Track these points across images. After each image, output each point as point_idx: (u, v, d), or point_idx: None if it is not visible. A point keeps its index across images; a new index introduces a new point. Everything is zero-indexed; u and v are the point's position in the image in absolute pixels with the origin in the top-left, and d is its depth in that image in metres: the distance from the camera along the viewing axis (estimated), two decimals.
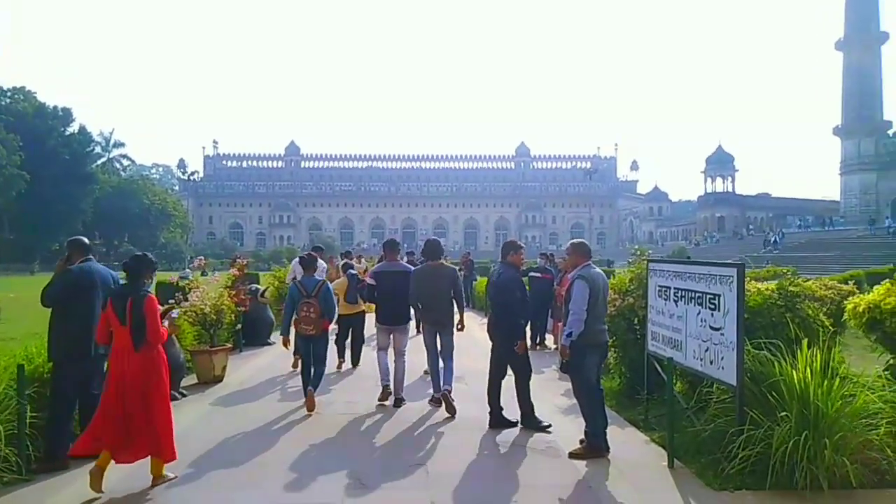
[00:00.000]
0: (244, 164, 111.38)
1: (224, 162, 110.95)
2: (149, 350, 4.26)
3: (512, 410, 5.99)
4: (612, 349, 7.09)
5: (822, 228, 58.48)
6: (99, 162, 77.34)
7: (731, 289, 4.54)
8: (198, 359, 7.74)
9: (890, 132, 62.60)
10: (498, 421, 5.93)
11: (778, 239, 54.87)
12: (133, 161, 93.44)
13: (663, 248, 69.48)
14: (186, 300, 7.71)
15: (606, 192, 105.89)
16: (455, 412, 6.25)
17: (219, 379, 7.63)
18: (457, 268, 8.60)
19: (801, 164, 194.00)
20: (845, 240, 47.56)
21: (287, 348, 7.32)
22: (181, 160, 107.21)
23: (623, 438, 5.54)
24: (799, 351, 4.51)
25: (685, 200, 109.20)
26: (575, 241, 5.62)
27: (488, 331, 6.16)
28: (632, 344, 6.93)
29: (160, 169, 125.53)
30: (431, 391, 6.81)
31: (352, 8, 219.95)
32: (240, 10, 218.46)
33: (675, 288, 5.46)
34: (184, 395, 6.92)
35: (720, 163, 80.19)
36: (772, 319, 5.45)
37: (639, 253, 7.68)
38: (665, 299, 5.67)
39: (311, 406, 6.33)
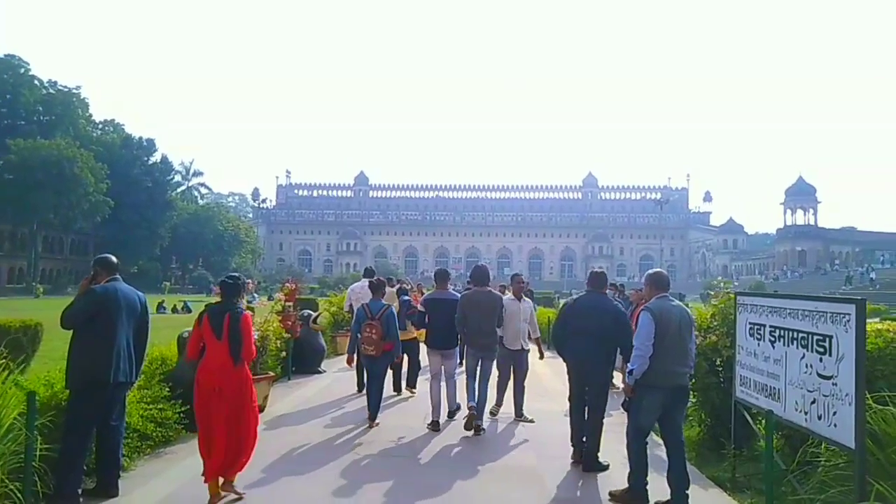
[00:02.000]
0: (314, 194, 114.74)
1: (296, 191, 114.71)
2: (244, 366, 4.51)
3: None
4: (692, 393, 6.28)
5: None
6: (179, 190, 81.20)
7: (847, 329, 3.71)
8: None
9: None
10: (592, 464, 5.51)
11: (872, 275, 50.99)
12: (211, 189, 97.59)
13: (739, 283, 66.03)
14: None
15: (677, 223, 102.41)
16: (478, 431, 6.59)
17: (260, 409, 7.19)
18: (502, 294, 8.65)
19: (890, 197, 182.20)
20: None
21: (350, 366, 7.79)
22: (255, 189, 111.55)
23: (708, 502, 4.70)
24: None
25: (762, 233, 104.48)
26: (651, 271, 5.09)
27: (576, 361, 5.72)
28: (714, 388, 6.10)
29: (236, 197, 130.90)
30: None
31: (420, 40, 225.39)
32: (312, 45, 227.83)
33: (771, 326, 4.65)
34: None
35: (801, 194, 76.23)
36: None
37: (722, 285, 6.81)
38: (758, 339, 4.85)
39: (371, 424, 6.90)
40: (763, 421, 5.22)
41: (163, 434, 5.60)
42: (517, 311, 7.27)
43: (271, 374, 8.08)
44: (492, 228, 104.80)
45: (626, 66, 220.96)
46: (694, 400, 6.46)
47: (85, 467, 4.39)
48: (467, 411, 6.67)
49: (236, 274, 4.82)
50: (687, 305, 5.41)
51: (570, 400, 5.95)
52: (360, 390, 8.82)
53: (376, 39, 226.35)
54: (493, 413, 7.27)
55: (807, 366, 4.12)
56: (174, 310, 29.32)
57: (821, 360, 3.97)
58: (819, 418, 3.96)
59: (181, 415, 5.85)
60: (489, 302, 6.77)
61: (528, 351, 7.43)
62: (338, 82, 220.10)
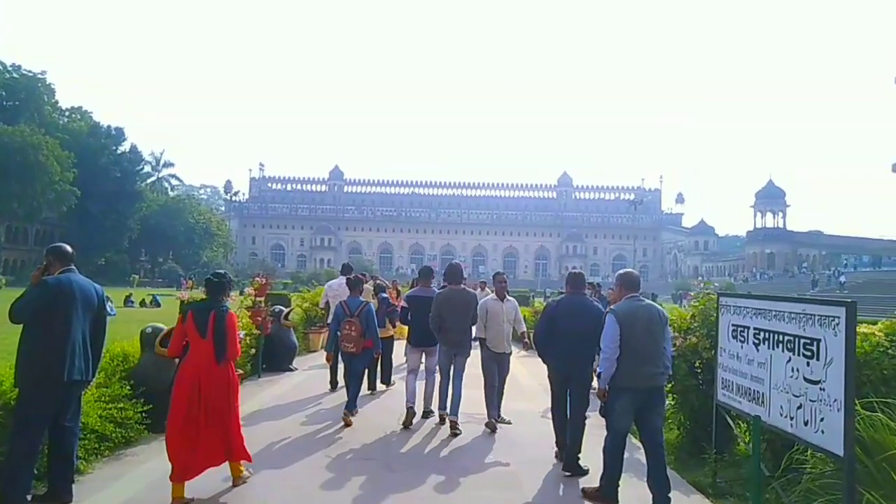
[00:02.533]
0: (288, 187, 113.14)
1: (269, 184, 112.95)
2: (227, 364, 4.53)
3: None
4: (671, 395, 6.19)
5: (874, 269, 55.45)
6: (149, 181, 79.35)
7: (836, 332, 3.61)
8: None
9: None
10: (573, 466, 5.37)
11: (838, 278, 52.03)
12: (182, 181, 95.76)
13: (714, 285, 66.93)
14: None
15: (650, 224, 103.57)
16: (454, 429, 6.56)
17: None
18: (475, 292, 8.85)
19: (856, 201, 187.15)
20: None
21: (329, 363, 8.00)
22: (227, 181, 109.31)
23: None
24: None
25: (732, 235, 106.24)
26: (622, 271, 5.08)
27: (560, 363, 5.64)
28: (693, 390, 6.00)
29: (208, 190, 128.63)
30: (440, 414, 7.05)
31: (396, 36, 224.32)
32: (288, 38, 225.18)
33: (755, 328, 4.54)
34: None
35: (770, 197, 77.68)
36: (883, 372, 4.44)
37: (702, 286, 6.72)
38: (741, 341, 4.74)
39: (347, 423, 6.76)
40: (744, 425, 5.15)
41: (123, 435, 5.30)
42: (500, 311, 7.00)
43: (239, 372, 7.77)
44: (467, 226, 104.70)
45: (602, 67, 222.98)
46: (672, 402, 6.37)
47: (35, 471, 4.09)
48: (438, 419, 7.01)
49: (222, 272, 4.80)
50: (660, 305, 5.32)
51: (552, 400, 5.93)
52: (332, 388, 8.79)
53: (352, 34, 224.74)
54: (492, 429, 6.76)
55: (793, 370, 4.02)
56: (142, 304, 28.57)
57: (808, 364, 3.87)
58: (805, 424, 3.86)
59: (143, 414, 5.57)
60: (463, 300, 6.82)
61: (511, 353, 7.25)
62: (313, 76, 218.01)
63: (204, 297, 4.76)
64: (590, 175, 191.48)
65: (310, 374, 10.23)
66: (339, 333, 6.94)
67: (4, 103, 59.41)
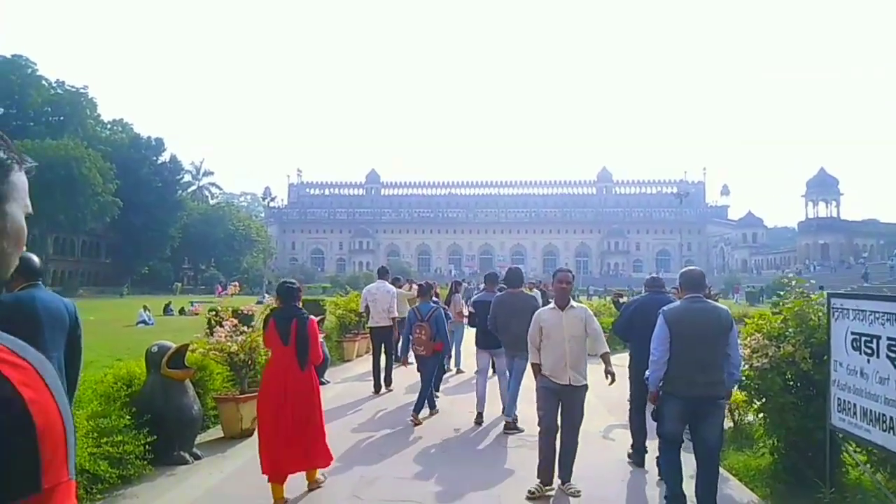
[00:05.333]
0: (326, 192, 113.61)
1: (307, 190, 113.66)
2: (311, 370, 4.64)
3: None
4: (762, 414, 5.24)
5: None
6: (189, 190, 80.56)
7: None
8: (222, 408, 6.36)
9: None
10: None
11: (893, 262, 49.07)
12: (222, 189, 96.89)
13: (760, 278, 64.39)
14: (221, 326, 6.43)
15: (695, 217, 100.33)
16: (509, 429, 6.72)
17: (248, 433, 6.17)
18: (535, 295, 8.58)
19: None
20: None
21: (406, 367, 8.10)
22: (266, 188, 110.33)
23: None
24: None
25: (781, 227, 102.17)
26: (683, 269, 4.72)
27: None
28: (790, 409, 4.99)
29: (248, 197, 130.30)
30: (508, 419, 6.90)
31: (433, 39, 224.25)
32: (325, 46, 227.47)
33: (890, 338, 3.56)
34: (197, 458, 5.50)
35: (823, 186, 74.16)
36: None
37: (794, 283, 5.68)
38: (868, 354, 3.77)
39: (416, 423, 7.06)
40: (863, 451, 4.16)
41: (119, 474, 4.58)
42: (558, 324, 4.90)
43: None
44: (505, 225, 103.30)
45: (641, 60, 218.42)
46: (762, 423, 5.41)
47: None
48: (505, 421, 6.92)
49: (292, 280, 5.12)
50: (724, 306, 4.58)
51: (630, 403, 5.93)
52: (376, 391, 8.95)
53: (387, 37, 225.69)
54: None
55: None
56: (181, 311, 28.43)
57: None
58: None
59: (147, 447, 4.85)
60: (521, 304, 6.59)
61: (586, 388, 4.97)
62: (348, 81, 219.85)
63: (278, 304, 4.92)
64: (630, 170, 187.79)
65: (346, 386, 9.53)
66: (410, 337, 7.42)
67: (50, 119, 60.81)
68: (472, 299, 8.87)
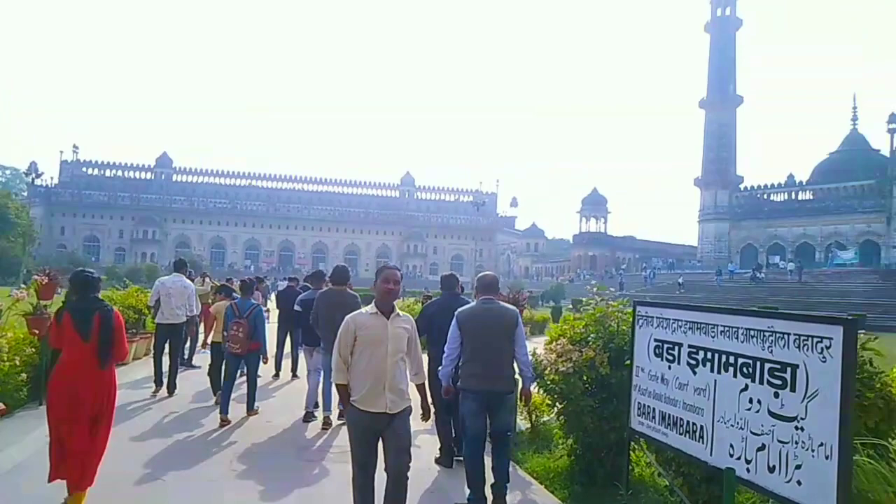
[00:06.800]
0: (107, 173, 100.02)
1: (84, 169, 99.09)
2: (111, 368, 4.28)
3: None
4: (562, 418, 5.40)
5: (670, 271, 62.40)
6: None
7: (824, 358, 2.84)
8: None
9: (742, 186, 68.28)
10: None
11: (649, 278, 56.90)
12: None
13: (540, 283, 70.74)
14: None
15: (487, 225, 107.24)
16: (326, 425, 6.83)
17: None
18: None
19: (665, 210, 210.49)
20: (706, 282, 50.28)
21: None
22: (32, 163, 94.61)
23: None
24: None
25: (559, 238, 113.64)
26: (480, 274, 5.01)
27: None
28: (588, 413, 5.18)
29: (7, 172, 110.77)
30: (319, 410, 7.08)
31: (235, 15, 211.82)
32: (105, 14, 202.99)
33: (691, 346, 3.75)
34: None
35: (595, 204, 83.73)
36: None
37: (596, 290, 5.97)
38: (670, 361, 3.95)
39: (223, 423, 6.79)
40: (656, 454, 4.40)
41: None
42: (381, 335, 3.74)
43: (1, 406, 5.62)
44: (307, 221, 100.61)
45: (441, 72, 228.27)
46: (561, 425, 5.59)
47: None
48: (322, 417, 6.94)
49: (90, 269, 4.59)
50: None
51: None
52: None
53: (185, 12, 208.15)
54: None
55: (751, 400, 3.24)
56: None
57: (776, 395, 3.09)
58: (771, 471, 3.09)
59: None
60: (344, 300, 6.44)
61: (409, 410, 3.82)
62: (140, 51, 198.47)
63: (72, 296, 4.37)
64: (432, 176, 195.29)
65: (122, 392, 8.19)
66: (226, 334, 7.17)
67: None
68: (299, 297, 8.66)
